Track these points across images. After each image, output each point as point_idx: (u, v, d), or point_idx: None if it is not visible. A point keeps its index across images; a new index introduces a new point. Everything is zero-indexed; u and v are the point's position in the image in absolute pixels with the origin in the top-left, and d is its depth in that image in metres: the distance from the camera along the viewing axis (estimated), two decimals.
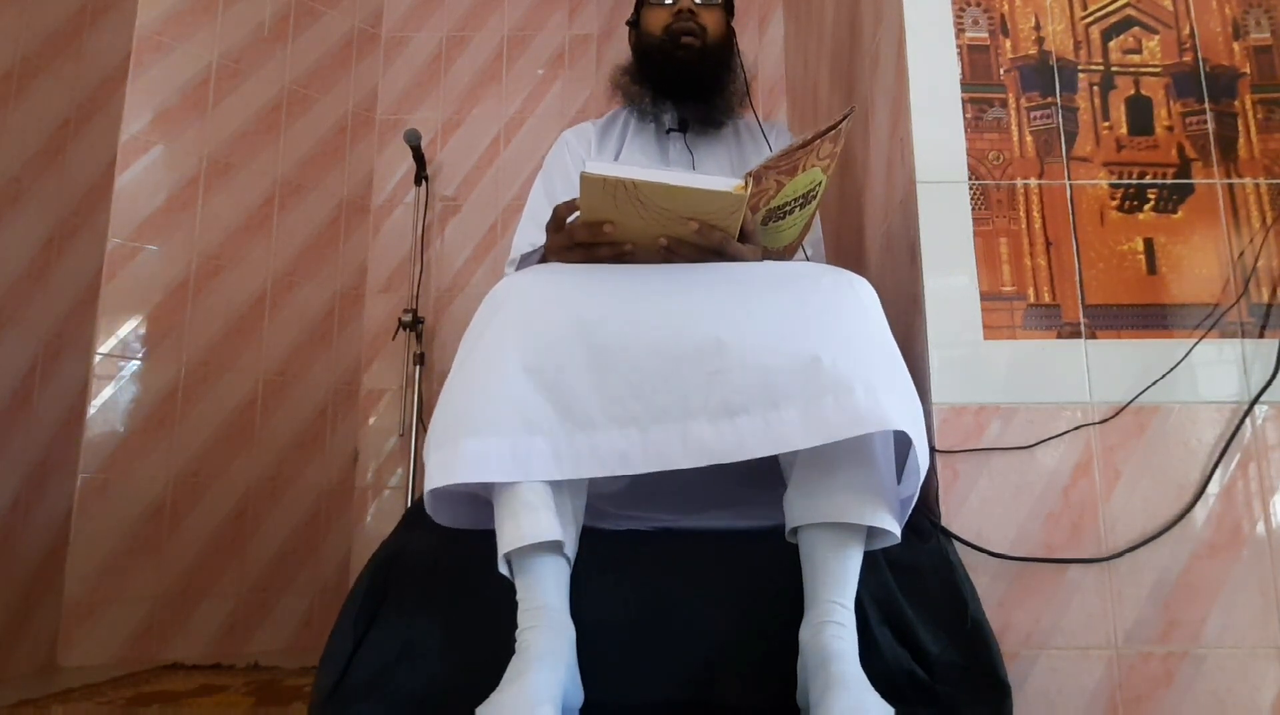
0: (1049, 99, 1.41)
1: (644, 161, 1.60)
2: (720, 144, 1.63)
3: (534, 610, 0.99)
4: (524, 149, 3.24)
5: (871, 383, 0.96)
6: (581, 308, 1.03)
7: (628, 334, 1.01)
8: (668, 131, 1.63)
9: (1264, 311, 1.32)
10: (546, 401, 0.99)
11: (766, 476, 1.22)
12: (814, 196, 1.23)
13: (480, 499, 1.09)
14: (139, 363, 2.57)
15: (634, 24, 1.66)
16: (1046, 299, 1.33)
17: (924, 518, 1.21)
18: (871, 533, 1.04)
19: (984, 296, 1.33)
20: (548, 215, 1.29)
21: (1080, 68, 1.42)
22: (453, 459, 0.97)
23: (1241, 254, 1.34)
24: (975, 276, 1.34)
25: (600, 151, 1.62)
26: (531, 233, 1.50)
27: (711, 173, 1.58)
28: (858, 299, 1.05)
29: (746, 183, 1.06)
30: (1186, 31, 1.43)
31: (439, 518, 1.08)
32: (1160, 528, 1.25)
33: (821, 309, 1.02)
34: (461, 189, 3.23)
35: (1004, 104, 1.41)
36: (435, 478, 0.98)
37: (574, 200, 1.19)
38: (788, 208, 1.20)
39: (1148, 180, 1.37)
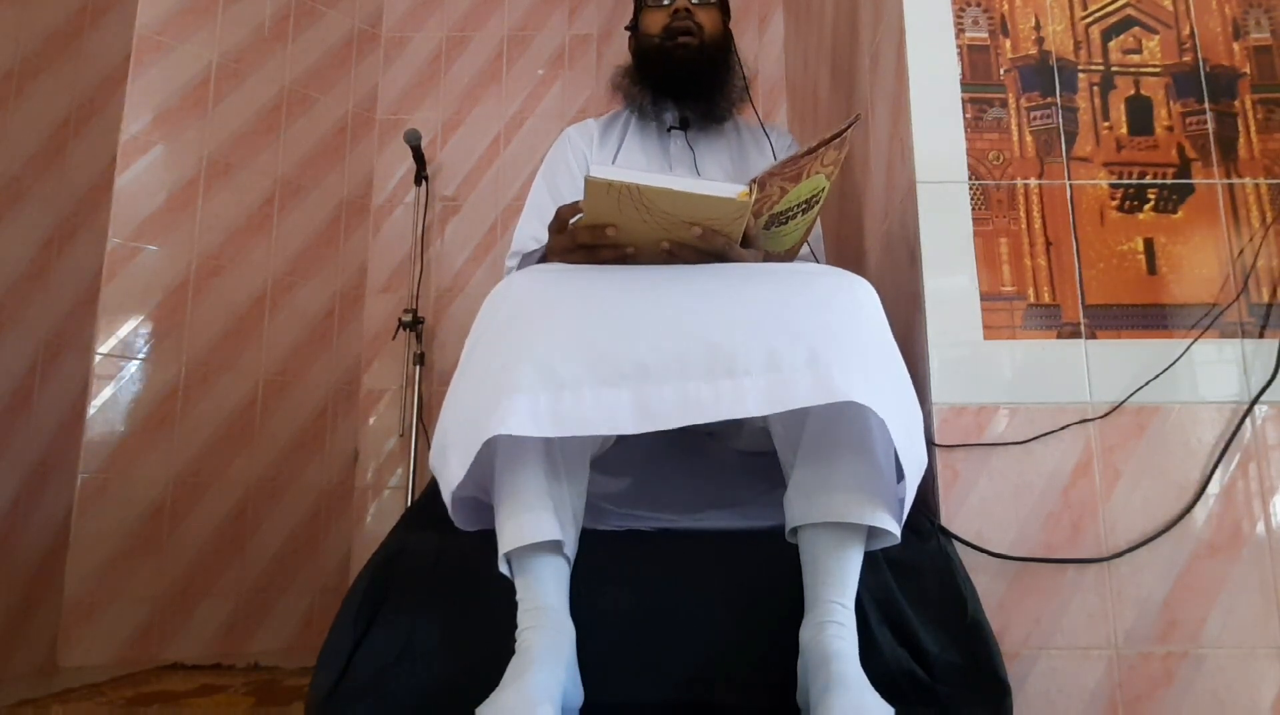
0: (1049, 99, 1.41)
1: (645, 159, 1.60)
2: (721, 141, 1.64)
3: (534, 610, 0.99)
4: (524, 149, 3.24)
5: (867, 370, 0.96)
6: (581, 298, 1.03)
7: (625, 316, 1.00)
8: (669, 129, 1.63)
9: (1264, 311, 1.32)
10: (537, 370, 0.96)
11: (766, 476, 1.22)
12: (817, 202, 1.24)
13: (483, 502, 1.09)
14: (139, 363, 2.57)
15: (632, 28, 1.67)
16: (1046, 299, 1.33)
17: (924, 518, 1.21)
18: (871, 532, 1.04)
19: (984, 296, 1.33)
20: (550, 210, 1.28)
21: (1080, 68, 1.42)
22: (467, 440, 0.96)
23: (1241, 254, 1.34)
24: (975, 276, 1.34)
25: (601, 149, 1.62)
26: (534, 227, 1.50)
27: (713, 170, 1.59)
28: (855, 297, 1.05)
29: (750, 189, 1.06)
30: (1186, 31, 1.43)
31: (459, 520, 1.08)
32: (1160, 528, 1.25)
33: (820, 303, 1.02)
34: (461, 189, 3.23)
35: (1004, 104, 1.41)
36: (454, 467, 0.97)
37: (577, 202, 1.19)
38: (791, 213, 1.20)
39: (1148, 180, 1.37)
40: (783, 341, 0.95)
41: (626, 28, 1.69)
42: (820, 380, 0.93)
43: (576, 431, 0.92)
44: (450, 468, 0.98)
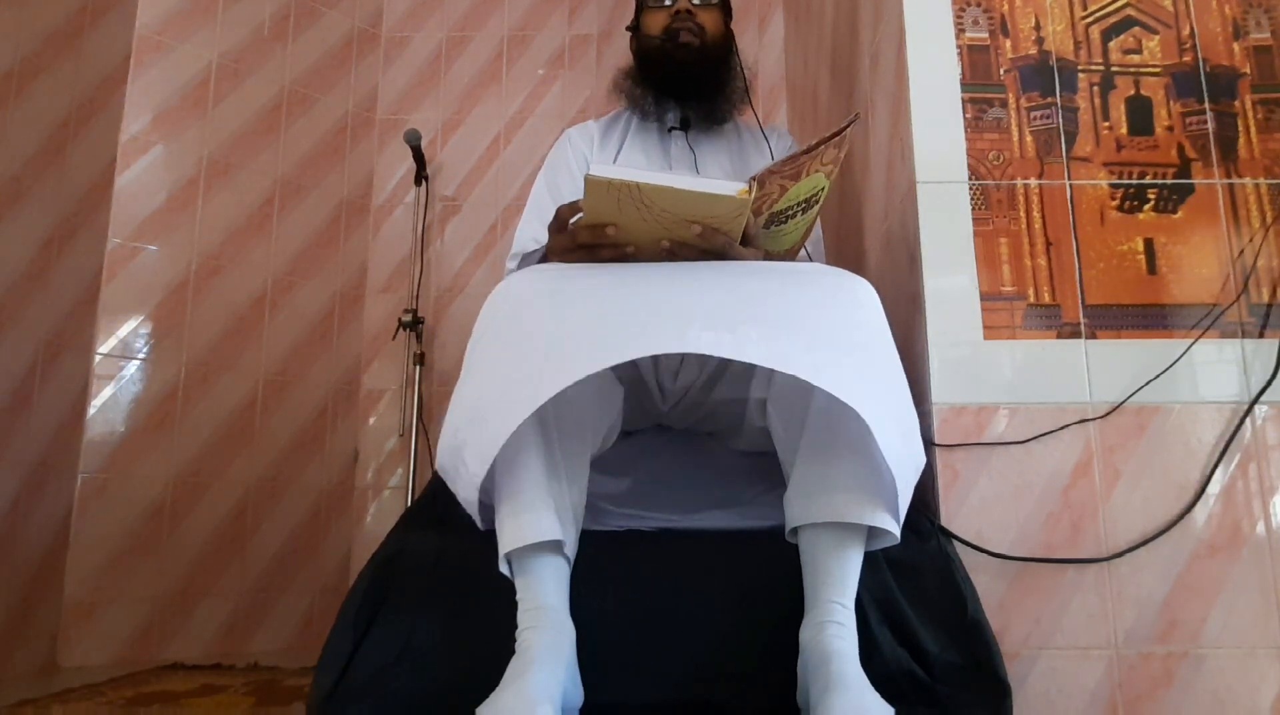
0: (1049, 99, 1.41)
1: (645, 160, 1.60)
2: (722, 142, 1.64)
3: (534, 610, 0.99)
4: (524, 149, 3.23)
5: (862, 372, 0.96)
6: (582, 294, 1.03)
7: (625, 308, 0.99)
8: (669, 130, 1.63)
9: (1264, 311, 1.32)
10: (539, 361, 0.96)
11: (766, 476, 1.22)
12: (816, 201, 1.24)
13: (483, 502, 1.09)
14: (139, 363, 2.57)
15: (634, 29, 1.67)
16: (1046, 299, 1.33)
17: (924, 517, 1.21)
18: (871, 532, 1.04)
19: (984, 296, 1.33)
20: (550, 211, 1.29)
21: (1080, 68, 1.42)
22: (479, 437, 0.96)
23: (1241, 254, 1.34)
24: (975, 276, 1.34)
25: (602, 150, 1.62)
26: (534, 228, 1.50)
27: (713, 170, 1.59)
28: (855, 297, 1.04)
29: (750, 187, 1.06)
30: (1186, 31, 1.43)
31: (481, 520, 1.08)
32: (1160, 528, 1.25)
33: (819, 303, 1.02)
34: (461, 189, 3.23)
35: (1004, 104, 1.41)
36: (473, 466, 0.96)
37: (577, 202, 1.19)
38: (790, 212, 1.20)
39: (1148, 180, 1.37)
40: (782, 333, 0.95)
41: (628, 28, 1.69)
42: (816, 366, 0.93)
43: (574, 378, 0.91)
44: (469, 468, 0.97)
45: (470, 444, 0.98)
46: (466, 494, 1.00)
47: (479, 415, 0.98)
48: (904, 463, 0.97)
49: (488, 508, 1.08)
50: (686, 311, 0.96)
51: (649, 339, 0.92)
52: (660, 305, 0.97)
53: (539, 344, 0.97)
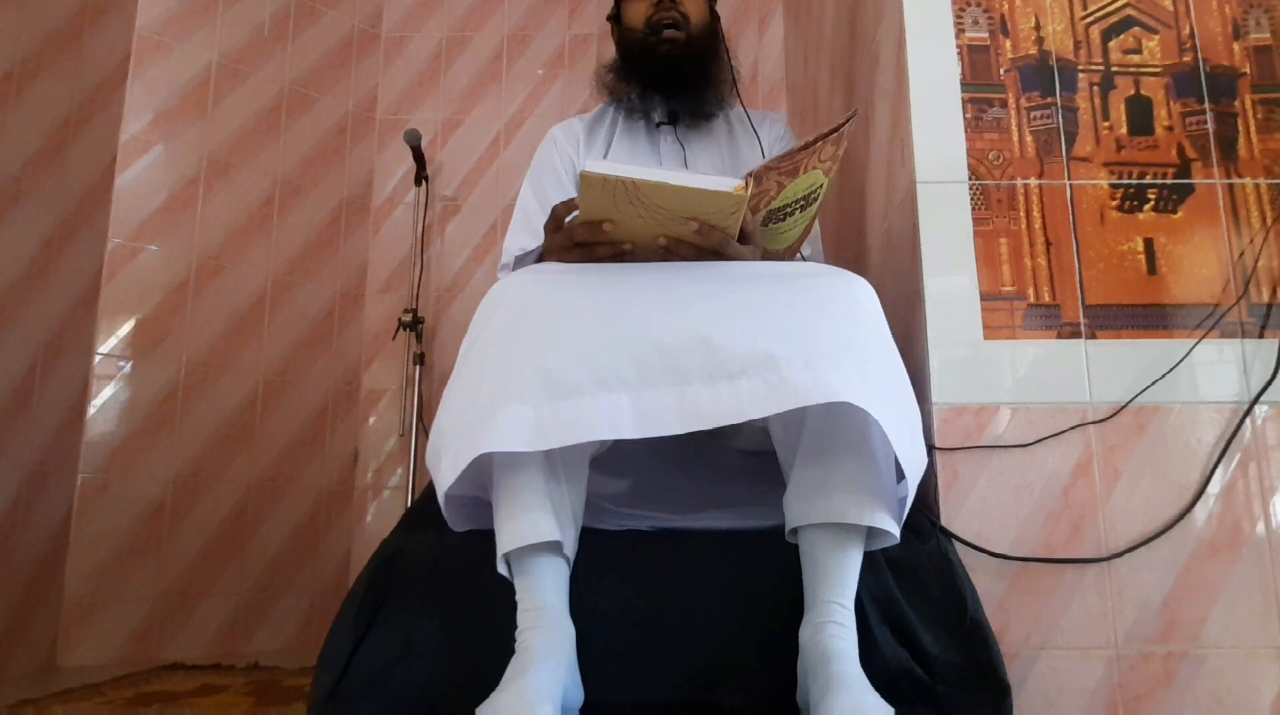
0: (1049, 99, 1.41)
1: (634, 157, 1.58)
2: (712, 136, 1.61)
3: (533, 610, 0.99)
4: (524, 149, 3.23)
5: (864, 372, 0.96)
6: (578, 300, 1.03)
7: (623, 318, 1.00)
8: (658, 125, 1.61)
9: (1264, 311, 1.32)
10: (535, 376, 0.96)
11: (766, 476, 1.22)
12: (815, 198, 1.23)
13: (482, 501, 1.09)
14: (139, 363, 2.57)
15: (614, 18, 1.63)
16: (1046, 299, 1.33)
17: (924, 518, 1.21)
18: (871, 533, 1.04)
19: (984, 296, 1.33)
20: (538, 217, 1.28)
21: (1080, 68, 1.42)
22: (467, 444, 0.96)
23: (1241, 254, 1.34)
24: (975, 276, 1.34)
25: (588, 148, 1.59)
26: (522, 237, 1.48)
27: (704, 165, 1.57)
28: (854, 297, 1.04)
29: (747, 183, 1.05)
30: (1186, 31, 1.43)
31: (453, 521, 1.08)
32: (1160, 528, 1.25)
33: (818, 305, 1.02)
34: (461, 189, 3.23)
35: (1004, 104, 1.41)
36: (445, 471, 0.97)
37: (573, 200, 1.19)
38: (788, 209, 1.20)
39: (1148, 180, 1.37)
40: (779, 343, 0.95)
41: (608, 17, 1.65)
42: (817, 380, 0.93)
43: (574, 440, 0.93)
44: (442, 471, 0.98)
45: (447, 450, 0.98)
46: (439, 497, 1.01)
47: (464, 423, 0.98)
48: (911, 462, 0.98)
49: (485, 505, 1.08)
50: (682, 354, 0.95)
51: (644, 419, 0.93)
52: (656, 342, 0.96)
53: (531, 364, 0.97)
